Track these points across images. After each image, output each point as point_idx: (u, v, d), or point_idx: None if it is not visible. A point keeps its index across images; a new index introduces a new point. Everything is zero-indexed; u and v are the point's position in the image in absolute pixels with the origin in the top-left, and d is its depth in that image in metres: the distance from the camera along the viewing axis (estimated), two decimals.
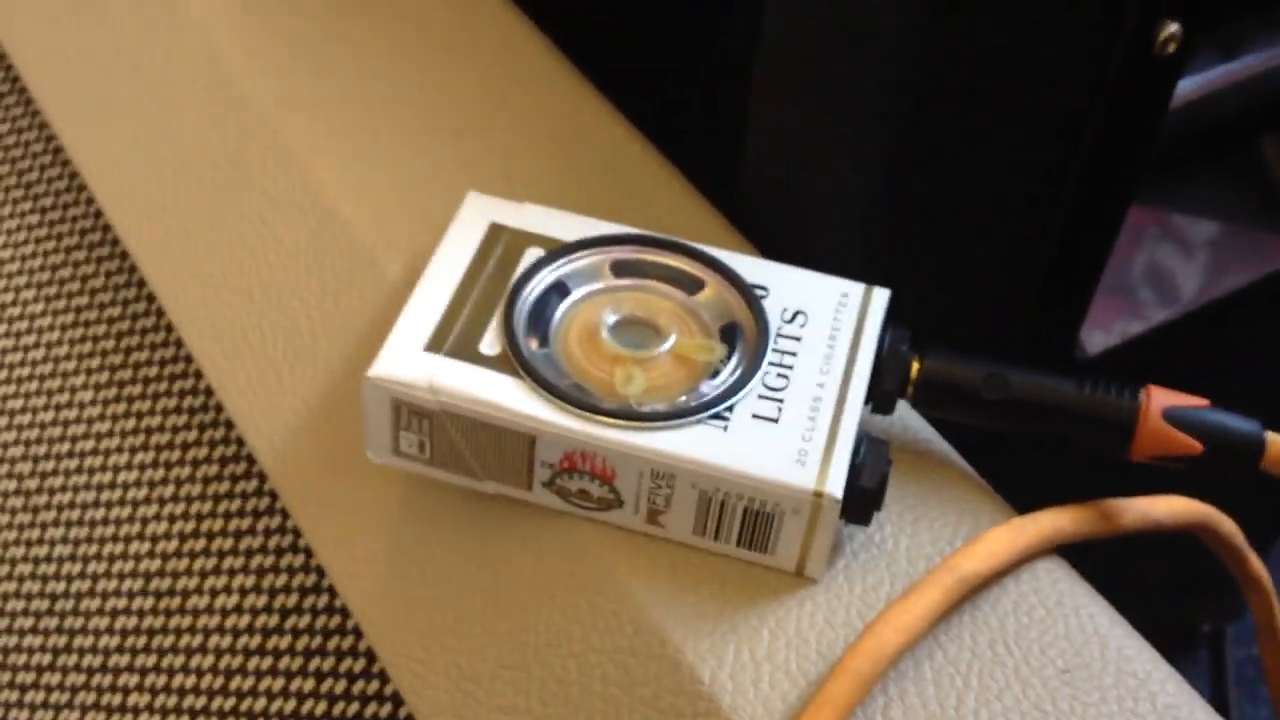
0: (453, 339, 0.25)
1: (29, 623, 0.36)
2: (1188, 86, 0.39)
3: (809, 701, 0.22)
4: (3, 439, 0.39)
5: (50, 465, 0.38)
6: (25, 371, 0.40)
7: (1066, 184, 0.32)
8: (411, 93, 0.33)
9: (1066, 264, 0.34)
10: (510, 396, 0.24)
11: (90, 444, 0.37)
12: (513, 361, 0.25)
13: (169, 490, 0.35)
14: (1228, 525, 0.29)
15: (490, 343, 0.25)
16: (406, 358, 0.25)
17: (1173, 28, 0.30)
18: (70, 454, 0.38)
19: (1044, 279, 0.34)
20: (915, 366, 0.26)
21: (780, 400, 0.24)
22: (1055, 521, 0.26)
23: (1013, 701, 0.23)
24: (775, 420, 0.24)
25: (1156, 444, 0.25)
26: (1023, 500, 0.28)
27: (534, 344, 0.25)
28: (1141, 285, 0.40)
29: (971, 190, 0.31)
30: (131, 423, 0.37)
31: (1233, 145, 0.41)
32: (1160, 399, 0.25)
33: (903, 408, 0.28)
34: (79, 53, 0.39)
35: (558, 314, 0.26)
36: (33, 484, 0.38)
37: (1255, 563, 0.30)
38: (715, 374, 0.25)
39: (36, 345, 0.40)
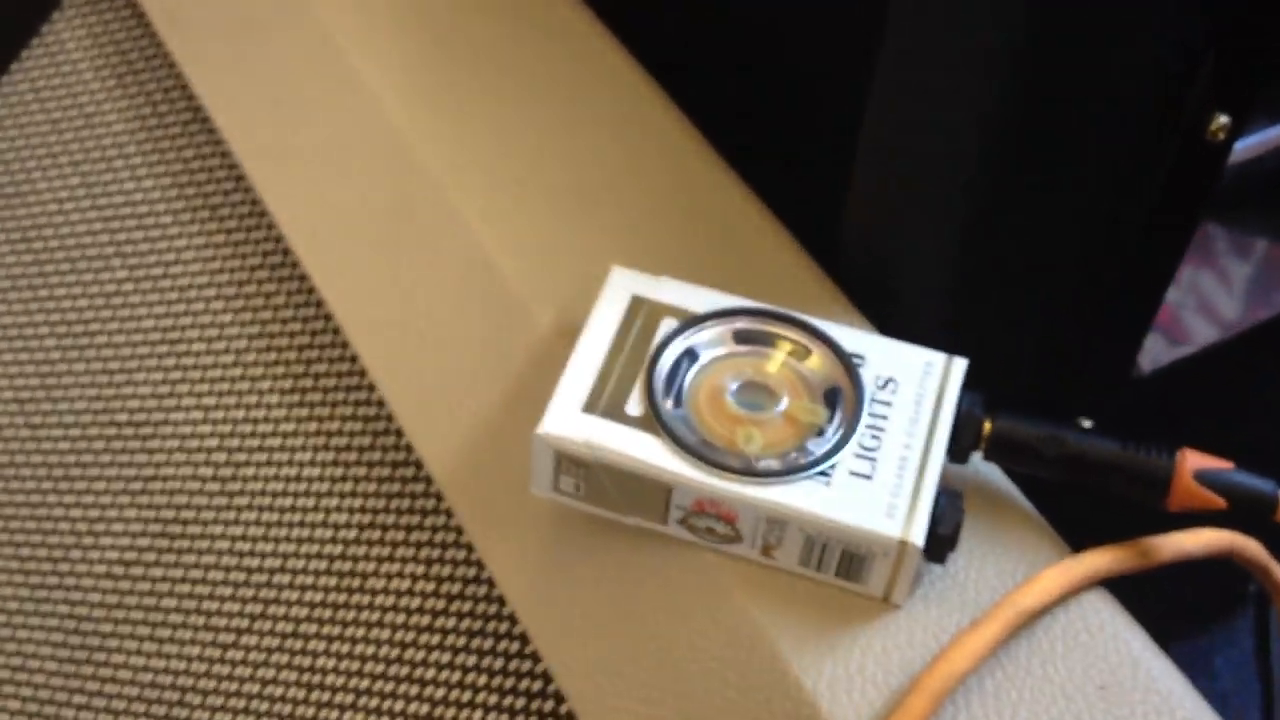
0: (604, 401, 0.31)
1: (229, 591, 0.43)
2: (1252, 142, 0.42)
3: (891, 711, 0.28)
4: (200, 431, 0.46)
5: (242, 457, 0.44)
6: (217, 374, 0.46)
7: (1128, 246, 0.36)
8: (559, 160, 0.39)
9: (1127, 307, 0.39)
10: (652, 453, 0.30)
11: (277, 441, 0.44)
12: (654, 422, 0.30)
13: (347, 486, 0.42)
14: (1253, 548, 0.34)
15: (635, 404, 0.31)
16: (567, 418, 0.30)
17: (1223, 119, 0.34)
18: (259, 449, 0.44)
19: (1106, 319, 0.39)
20: (987, 426, 0.31)
21: (874, 459, 0.30)
22: (1100, 560, 0.31)
23: (1058, 714, 0.29)
24: (869, 477, 0.29)
25: (1188, 500, 0.30)
26: (1079, 537, 0.33)
27: (670, 405, 0.31)
28: (1190, 312, 0.44)
29: (1043, 251, 0.36)
30: (313, 425, 0.43)
31: None
32: (1192, 461, 0.30)
33: (979, 458, 0.33)
34: (265, 100, 0.45)
35: (689, 378, 0.31)
36: (227, 472, 0.45)
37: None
38: (820, 433, 0.30)
39: (226, 351, 0.46)
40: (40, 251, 0.55)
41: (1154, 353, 0.42)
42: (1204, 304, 0.44)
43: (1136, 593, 0.34)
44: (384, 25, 0.43)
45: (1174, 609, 0.43)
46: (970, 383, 0.32)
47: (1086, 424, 0.41)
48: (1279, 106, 0.40)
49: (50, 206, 0.56)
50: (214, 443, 0.45)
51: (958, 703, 0.29)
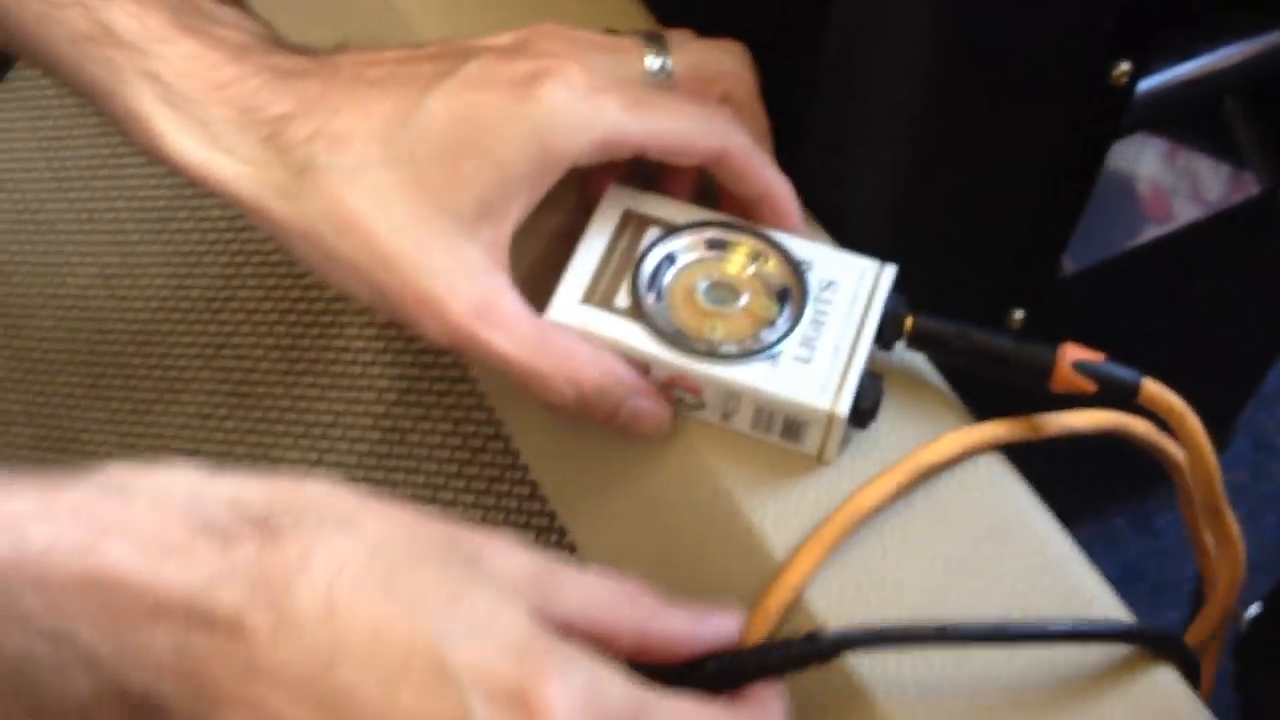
0: (598, 295, 0.38)
1: (290, 440, 0.51)
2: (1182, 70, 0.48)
3: (810, 538, 0.36)
4: (263, 306, 0.54)
5: (299, 330, 0.52)
6: (277, 258, 0.54)
7: (1048, 170, 0.43)
8: None
9: (1050, 217, 0.46)
10: (635, 338, 0.37)
11: (329, 318, 0.52)
12: (638, 312, 0.38)
13: (388, 357, 0.49)
14: (1140, 426, 0.41)
15: (622, 298, 0.38)
16: (568, 307, 0.38)
17: (1125, 65, 0.40)
18: (314, 324, 0.52)
19: (1032, 229, 0.46)
20: (909, 322, 0.38)
21: (814, 346, 0.37)
22: (996, 429, 0.38)
23: (947, 548, 0.37)
24: (808, 361, 0.37)
25: (1066, 384, 0.37)
26: (986, 415, 0.41)
27: (651, 299, 0.38)
28: (1109, 221, 0.51)
29: (976, 176, 0.43)
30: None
31: (1202, 110, 0.51)
32: (1071, 353, 0.37)
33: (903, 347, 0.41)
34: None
35: (667, 278, 0.39)
36: (287, 342, 0.53)
37: (1172, 449, 0.42)
38: (772, 324, 0.38)
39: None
40: (119, 145, 0.62)
41: (1076, 256, 0.49)
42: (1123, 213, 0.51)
43: (1079, 463, 0.41)
44: None
45: (1117, 476, 0.50)
46: (904, 287, 0.39)
47: (1019, 315, 0.48)
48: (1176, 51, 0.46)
49: None
50: (275, 317, 0.53)
51: (864, 534, 0.37)
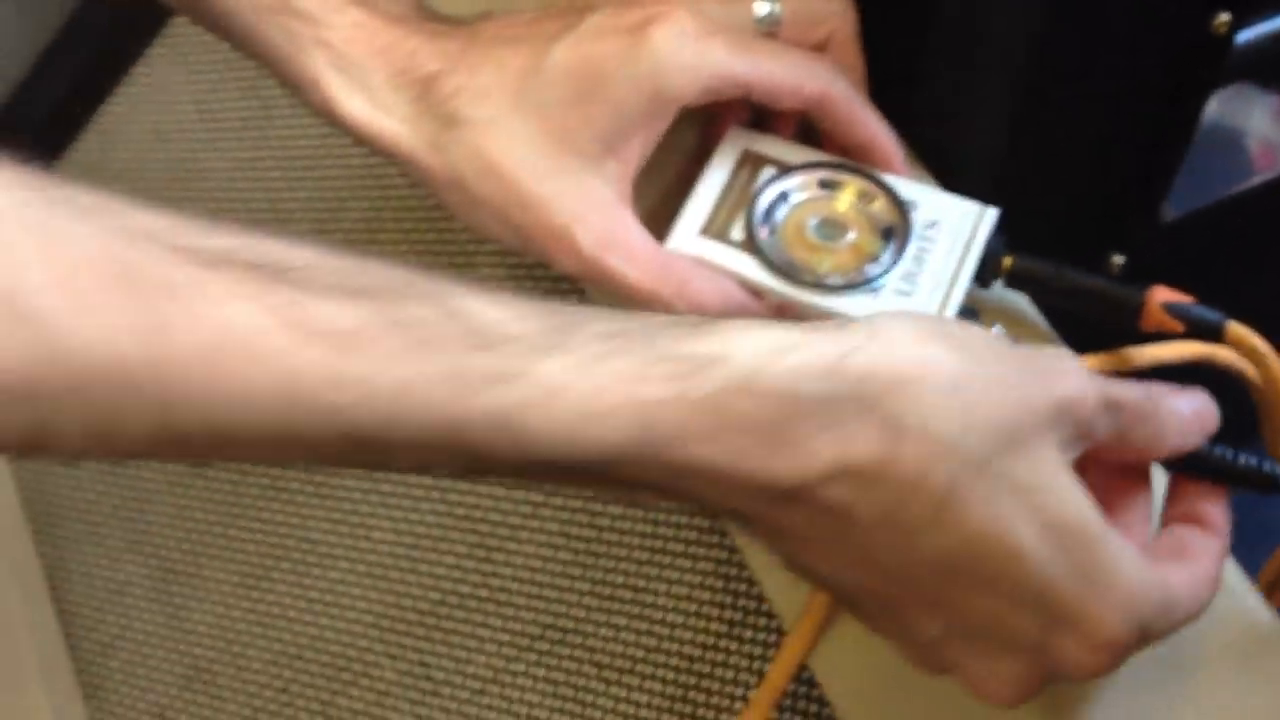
0: (714, 228, 0.41)
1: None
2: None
3: None
4: (402, 251, 0.58)
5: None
6: (415, 203, 0.58)
7: (1149, 117, 0.45)
8: None
9: (1150, 164, 0.47)
10: (746, 268, 0.40)
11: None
12: (751, 245, 0.41)
13: None
14: (1226, 354, 0.42)
15: (737, 231, 0.41)
16: (687, 238, 0.41)
17: (1224, 16, 0.42)
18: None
19: (1133, 175, 0.47)
20: (1008, 261, 0.41)
21: (915, 282, 0.40)
22: (1088, 362, 0.41)
23: None
24: (909, 294, 0.40)
25: (1155, 323, 0.39)
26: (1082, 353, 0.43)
27: (765, 233, 0.41)
28: (1210, 169, 0.52)
29: (1080, 124, 0.45)
30: None
31: None
32: (1161, 294, 0.39)
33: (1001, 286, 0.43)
34: None
35: (780, 214, 0.42)
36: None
37: (1255, 376, 0.42)
38: (876, 260, 0.40)
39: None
40: (268, 98, 0.67)
41: (1177, 204, 0.51)
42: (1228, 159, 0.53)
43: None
44: None
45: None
46: (1008, 230, 0.42)
47: (1119, 260, 0.50)
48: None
49: None
50: (413, 259, 0.58)
51: None
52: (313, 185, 0.63)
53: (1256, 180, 0.53)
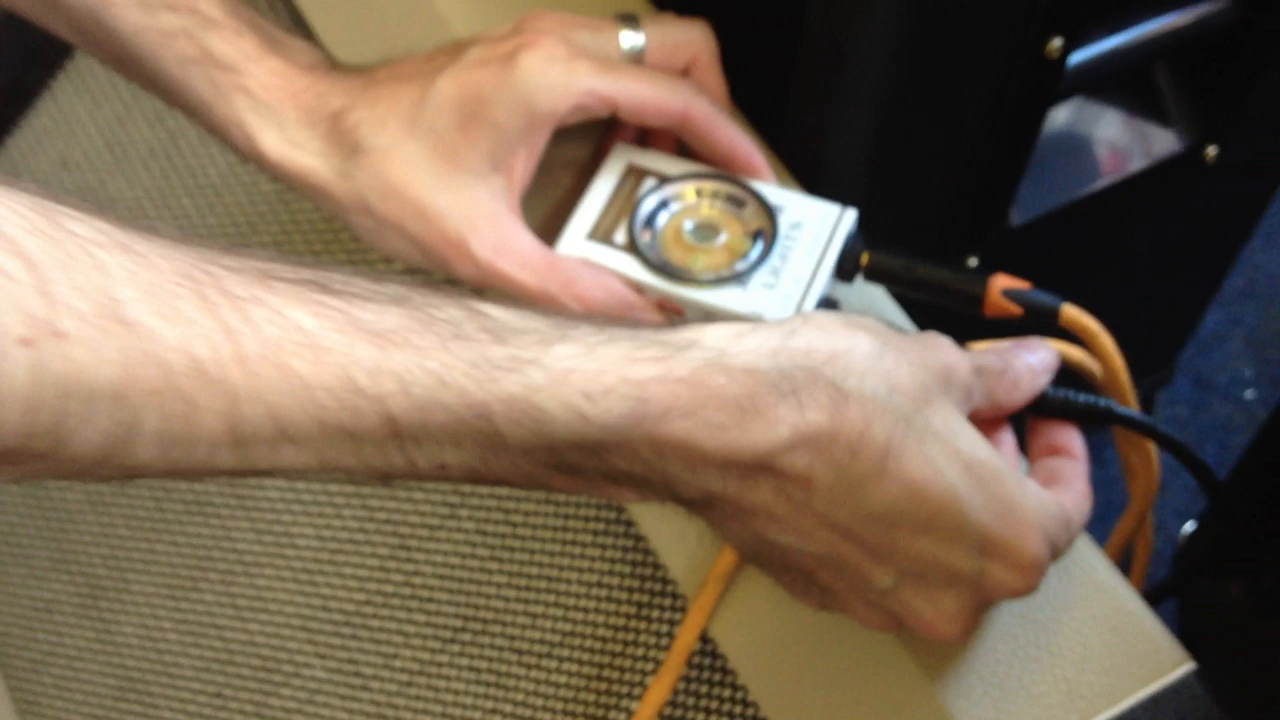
0: (600, 232, 0.45)
1: None
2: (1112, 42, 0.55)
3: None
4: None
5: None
6: (324, 226, 0.61)
7: (993, 132, 0.50)
8: None
9: (996, 174, 0.52)
10: (628, 267, 0.44)
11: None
12: (633, 247, 0.45)
13: None
14: (1075, 352, 0.47)
15: (621, 235, 0.45)
16: (576, 242, 0.45)
17: (1057, 41, 0.47)
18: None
19: (981, 184, 0.52)
20: (865, 257, 0.45)
21: (779, 276, 0.44)
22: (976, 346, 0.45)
23: None
24: (774, 287, 0.44)
25: (996, 309, 0.44)
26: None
27: (646, 237, 0.45)
28: (1054, 177, 0.57)
29: (934, 137, 0.50)
30: None
31: (1133, 76, 0.58)
32: (1000, 282, 0.44)
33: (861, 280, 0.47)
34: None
35: (660, 219, 0.46)
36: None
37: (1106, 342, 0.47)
38: (746, 258, 0.45)
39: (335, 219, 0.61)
40: (174, 128, 0.70)
41: (1024, 207, 0.56)
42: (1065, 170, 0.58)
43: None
44: None
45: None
46: (876, 233, 0.46)
47: (973, 261, 0.55)
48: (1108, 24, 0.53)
49: None
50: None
51: None
52: (222, 211, 0.66)
53: (1102, 183, 0.59)
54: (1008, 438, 0.41)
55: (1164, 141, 0.58)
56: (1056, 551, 0.38)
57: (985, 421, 0.41)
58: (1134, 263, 0.64)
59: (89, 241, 0.29)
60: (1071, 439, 0.42)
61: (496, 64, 0.43)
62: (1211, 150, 0.58)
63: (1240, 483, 0.59)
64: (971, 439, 0.37)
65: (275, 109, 0.45)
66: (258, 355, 0.30)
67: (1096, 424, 0.42)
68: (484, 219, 0.44)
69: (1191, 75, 0.57)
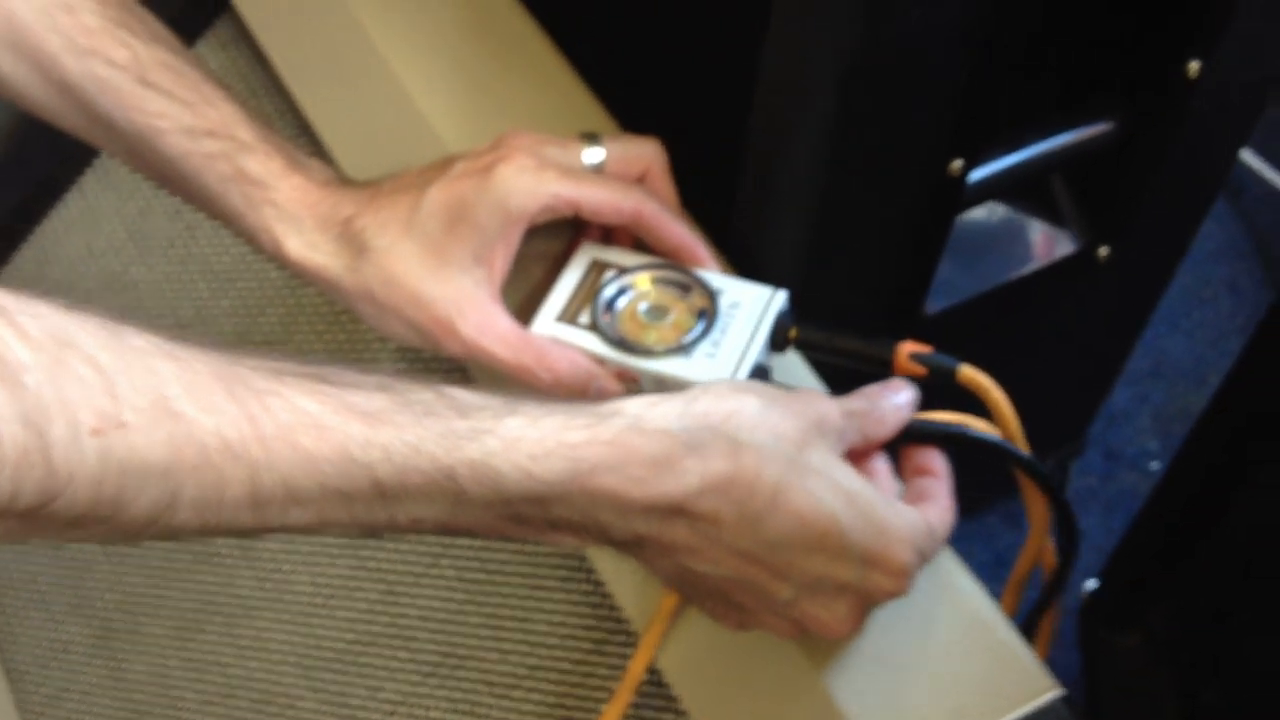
0: (568, 314, 0.53)
1: None
2: (1010, 160, 0.64)
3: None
4: (315, 347, 0.68)
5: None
6: (326, 308, 0.69)
7: (906, 238, 0.58)
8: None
9: (913, 270, 0.61)
10: (590, 343, 0.52)
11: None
12: (595, 326, 0.53)
13: None
14: (981, 424, 0.54)
15: (585, 317, 0.53)
16: (547, 323, 0.53)
17: (958, 162, 0.56)
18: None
19: (898, 278, 0.61)
20: (793, 331, 0.53)
21: (719, 348, 0.52)
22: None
23: None
24: (714, 356, 0.52)
25: (904, 369, 0.51)
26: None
27: (606, 318, 0.53)
28: (968, 270, 0.66)
29: (856, 238, 0.58)
30: None
31: (1031, 185, 0.67)
32: (907, 347, 0.51)
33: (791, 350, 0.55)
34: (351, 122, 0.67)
35: (619, 303, 0.54)
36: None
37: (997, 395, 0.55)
38: (691, 334, 0.53)
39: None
40: (191, 221, 0.78)
41: (935, 300, 0.64)
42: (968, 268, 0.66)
43: (960, 470, 0.54)
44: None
45: (992, 481, 0.63)
46: (799, 309, 0.54)
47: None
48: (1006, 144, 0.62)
49: None
50: (324, 358, 0.68)
51: None
52: (235, 295, 0.74)
53: (1008, 277, 0.67)
54: (881, 465, 0.49)
55: (1062, 242, 0.67)
56: (924, 558, 0.46)
57: (860, 453, 0.48)
58: (1041, 346, 0.72)
59: (144, 352, 0.36)
60: (935, 460, 0.50)
61: (477, 175, 0.52)
62: (1104, 250, 0.67)
63: (1135, 542, 0.66)
64: (846, 473, 0.45)
65: (297, 217, 0.54)
66: (274, 435, 0.37)
67: (955, 446, 0.50)
68: (469, 304, 0.52)
69: (1083, 185, 0.66)
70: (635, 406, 0.43)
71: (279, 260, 0.54)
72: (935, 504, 0.48)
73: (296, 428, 0.38)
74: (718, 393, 0.44)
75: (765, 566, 0.43)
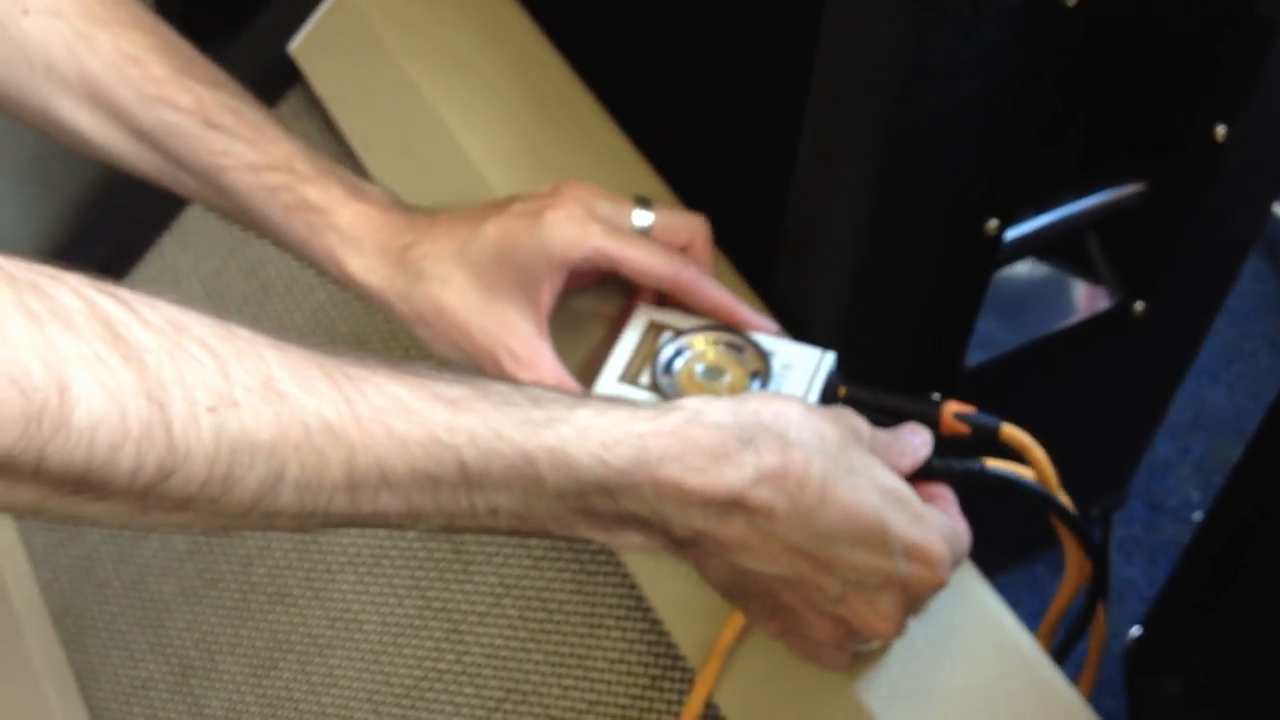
0: (629, 375, 0.57)
1: None
2: (1044, 219, 0.67)
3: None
4: None
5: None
6: (384, 324, 0.73)
7: (945, 294, 0.61)
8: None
9: (952, 325, 0.64)
10: None
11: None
12: (655, 387, 0.56)
13: None
14: (1028, 473, 0.57)
15: (645, 377, 0.56)
16: (610, 383, 0.56)
17: (994, 222, 0.59)
18: None
19: (940, 333, 0.64)
20: (842, 390, 0.57)
21: None
22: None
23: None
24: None
25: (949, 429, 0.55)
26: None
27: (665, 379, 0.56)
28: (1007, 324, 0.69)
29: (899, 297, 0.61)
30: None
31: (1067, 243, 0.69)
32: (952, 407, 0.55)
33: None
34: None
35: (677, 364, 0.57)
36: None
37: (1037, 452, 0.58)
38: (746, 393, 0.56)
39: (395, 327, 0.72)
40: (265, 280, 0.82)
41: (975, 354, 0.67)
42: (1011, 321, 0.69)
43: (1007, 521, 0.57)
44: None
45: (1037, 532, 0.66)
46: (845, 367, 0.57)
47: (936, 397, 0.66)
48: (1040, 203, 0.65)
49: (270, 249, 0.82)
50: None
51: None
52: None
53: (1046, 331, 0.70)
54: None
55: (1097, 298, 0.69)
56: (955, 554, 0.49)
57: None
58: (1080, 399, 0.75)
59: (250, 340, 0.39)
60: (945, 492, 0.53)
61: (530, 217, 0.56)
62: (1139, 305, 0.70)
63: (1175, 588, 0.68)
64: (883, 471, 0.48)
65: (358, 241, 0.57)
66: (369, 417, 0.40)
67: (972, 483, 0.53)
68: (513, 338, 0.56)
69: (1117, 243, 0.68)
70: (693, 403, 0.46)
71: (343, 283, 0.58)
72: (950, 516, 0.51)
73: (388, 410, 0.40)
74: (763, 396, 0.48)
75: (815, 561, 0.46)
